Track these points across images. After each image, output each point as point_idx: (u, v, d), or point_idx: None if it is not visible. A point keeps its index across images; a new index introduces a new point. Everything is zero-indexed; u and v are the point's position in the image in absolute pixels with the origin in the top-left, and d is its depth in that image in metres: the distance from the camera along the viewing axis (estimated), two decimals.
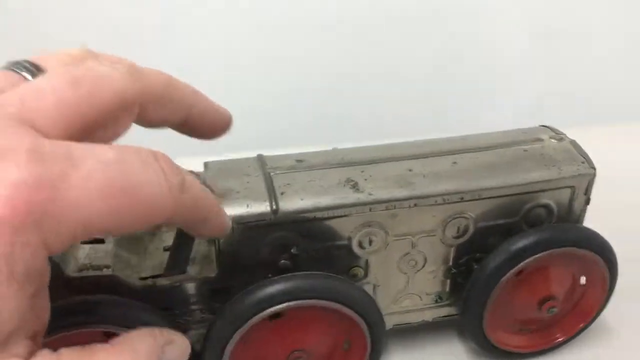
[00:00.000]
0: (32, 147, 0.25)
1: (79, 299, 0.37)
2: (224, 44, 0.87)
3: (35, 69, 0.32)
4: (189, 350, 0.33)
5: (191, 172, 0.43)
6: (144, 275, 0.42)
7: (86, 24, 0.84)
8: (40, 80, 0.30)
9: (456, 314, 0.49)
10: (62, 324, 0.36)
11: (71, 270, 0.40)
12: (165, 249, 0.45)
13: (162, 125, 0.36)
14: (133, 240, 0.45)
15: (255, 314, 0.39)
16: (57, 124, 0.28)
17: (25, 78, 0.31)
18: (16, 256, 0.23)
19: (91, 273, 0.40)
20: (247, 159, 0.45)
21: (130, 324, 0.37)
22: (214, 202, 0.34)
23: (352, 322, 0.41)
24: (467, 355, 0.50)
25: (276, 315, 0.40)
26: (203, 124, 0.37)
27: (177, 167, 0.31)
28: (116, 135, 0.32)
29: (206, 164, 0.45)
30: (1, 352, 0.24)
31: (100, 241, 0.43)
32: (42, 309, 0.26)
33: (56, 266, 0.39)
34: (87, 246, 0.42)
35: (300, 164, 0.44)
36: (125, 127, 0.32)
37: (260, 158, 0.45)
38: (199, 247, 0.44)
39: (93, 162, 0.26)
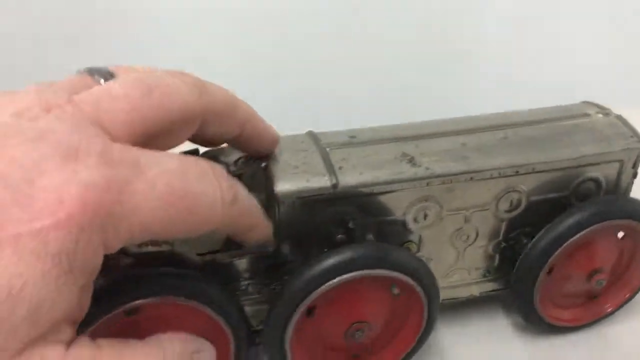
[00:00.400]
0: (103, 149, 0.26)
1: (148, 270, 0.37)
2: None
3: (109, 76, 0.33)
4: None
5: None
6: (201, 251, 0.42)
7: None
8: (114, 84, 0.30)
9: (502, 289, 0.49)
10: (139, 294, 0.36)
11: (131, 245, 0.39)
12: None
13: (216, 142, 0.38)
14: None
15: (318, 286, 0.39)
16: (124, 128, 0.29)
17: (98, 82, 0.32)
18: (78, 253, 0.24)
19: (151, 249, 0.40)
20: (298, 135, 0.45)
21: (196, 296, 0.38)
22: (259, 212, 0.36)
23: (412, 292, 0.42)
24: (512, 328, 0.51)
25: (336, 287, 0.40)
26: (253, 141, 0.39)
27: (231, 180, 0.33)
28: (175, 144, 0.33)
29: None
30: (49, 336, 0.25)
31: None
32: (86, 300, 0.28)
33: None
34: None
35: (353, 139, 0.44)
36: (185, 138, 0.34)
37: (311, 134, 0.45)
38: None
39: (157, 170, 0.28)
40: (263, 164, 0.41)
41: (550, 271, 0.46)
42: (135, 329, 0.38)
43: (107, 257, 0.28)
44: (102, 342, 0.29)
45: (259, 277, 0.43)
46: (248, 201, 0.35)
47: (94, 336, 0.33)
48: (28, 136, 0.26)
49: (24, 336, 0.24)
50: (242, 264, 0.43)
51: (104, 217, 0.25)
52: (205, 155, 0.42)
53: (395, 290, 0.42)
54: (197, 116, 0.33)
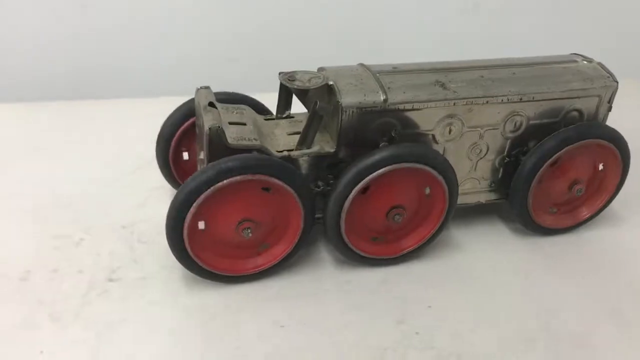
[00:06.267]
0: None
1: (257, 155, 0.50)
2: None
3: None
4: None
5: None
6: (278, 149, 0.54)
7: None
8: None
9: (503, 198, 0.62)
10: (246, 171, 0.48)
11: (230, 140, 0.51)
12: (289, 134, 0.57)
13: None
14: (263, 126, 0.57)
15: (370, 174, 0.51)
16: None
17: None
18: None
19: (246, 142, 0.52)
20: (351, 66, 0.57)
21: (282, 177, 0.50)
22: None
23: (435, 181, 0.54)
24: (509, 231, 0.64)
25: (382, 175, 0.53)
26: None
27: None
28: None
29: (321, 68, 0.57)
30: None
31: (243, 124, 0.55)
32: None
33: (222, 135, 0.50)
34: (234, 126, 0.54)
35: (396, 69, 0.57)
36: None
37: (363, 65, 0.57)
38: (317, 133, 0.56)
39: None
40: (330, 82, 0.53)
41: (540, 182, 0.59)
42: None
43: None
44: None
45: (320, 172, 0.56)
46: None
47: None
48: None
49: None
50: (309, 161, 0.55)
51: None
52: (285, 75, 0.54)
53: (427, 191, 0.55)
54: None
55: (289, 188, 0.51)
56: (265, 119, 0.59)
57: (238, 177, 0.49)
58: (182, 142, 0.62)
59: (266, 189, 0.51)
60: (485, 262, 0.59)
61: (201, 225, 0.51)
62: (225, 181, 0.48)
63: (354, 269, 0.58)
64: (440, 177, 0.54)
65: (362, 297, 0.54)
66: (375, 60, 0.59)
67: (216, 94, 0.59)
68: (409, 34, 1.05)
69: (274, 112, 0.61)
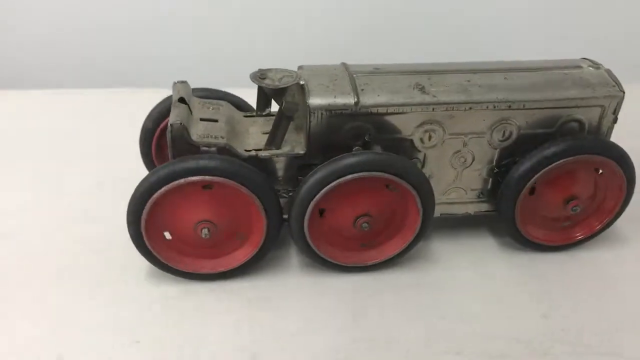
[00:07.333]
0: None
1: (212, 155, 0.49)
2: None
3: None
4: None
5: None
6: (248, 149, 0.53)
7: None
8: None
9: (493, 210, 0.58)
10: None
11: (195, 137, 0.51)
12: (264, 133, 0.56)
13: None
14: (238, 124, 0.56)
15: (337, 178, 0.49)
16: None
17: None
18: None
19: (211, 140, 0.51)
20: (333, 65, 0.55)
21: (241, 179, 0.49)
22: None
23: (408, 194, 0.51)
24: (498, 246, 0.60)
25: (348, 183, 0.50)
26: None
27: None
28: None
29: (300, 67, 0.55)
30: None
31: (214, 121, 0.54)
32: None
33: (185, 132, 0.50)
34: (204, 123, 0.53)
35: (377, 70, 0.54)
36: None
37: (344, 64, 0.55)
38: (290, 133, 0.54)
39: None
40: (302, 82, 0.52)
41: (531, 193, 0.54)
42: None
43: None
44: None
45: (290, 174, 0.54)
46: None
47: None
48: None
49: None
50: (279, 162, 0.54)
51: None
52: (257, 73, 0.52)
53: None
54: None
55: (247, 190, 0.50)
56: (245, 116, 0.58)
57: (189, 179, 0.48)
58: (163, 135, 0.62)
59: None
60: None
61: (160, 226, 0.51)
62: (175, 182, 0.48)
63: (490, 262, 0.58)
64: (412, 190, 0.51)
65: (505, 289, 0.55)
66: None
67: (199, 89, 0.59)
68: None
69: None
